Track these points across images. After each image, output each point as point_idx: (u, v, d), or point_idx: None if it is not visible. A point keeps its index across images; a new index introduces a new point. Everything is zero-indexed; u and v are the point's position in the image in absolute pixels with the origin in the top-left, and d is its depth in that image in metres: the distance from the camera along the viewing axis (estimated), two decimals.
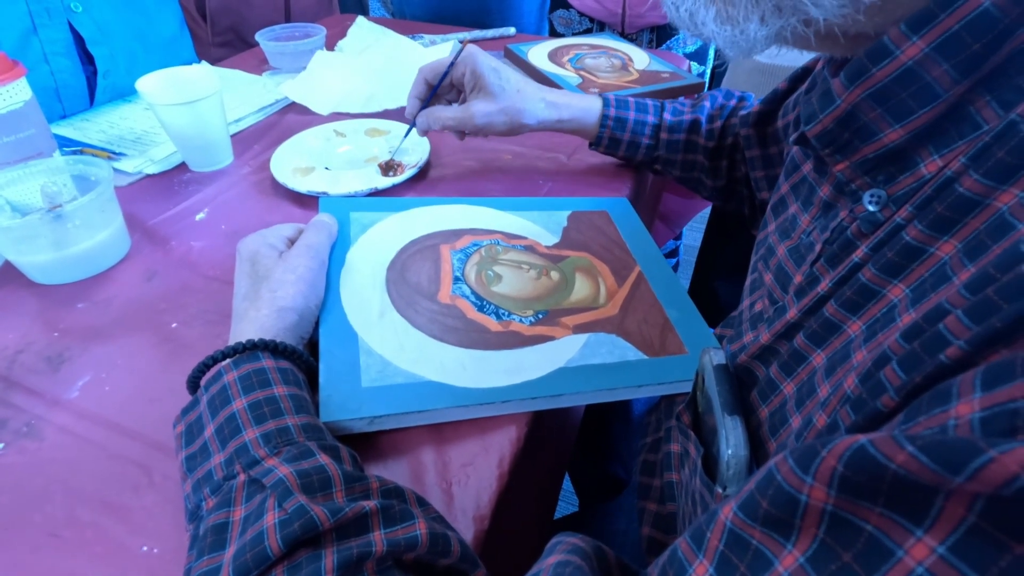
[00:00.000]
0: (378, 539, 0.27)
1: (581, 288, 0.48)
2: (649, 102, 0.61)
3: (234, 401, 0.32)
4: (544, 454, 0.45)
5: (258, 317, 0.37)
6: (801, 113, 0.32)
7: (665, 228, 1.17)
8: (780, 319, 0.34)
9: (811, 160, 0.38)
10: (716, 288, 1.16)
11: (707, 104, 0.61)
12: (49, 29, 0.67)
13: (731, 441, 0.32)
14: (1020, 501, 0.14)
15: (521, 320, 0.44)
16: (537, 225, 0.54)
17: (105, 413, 0.38)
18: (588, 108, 0.60)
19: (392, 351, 0.39)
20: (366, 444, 0.36)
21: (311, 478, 0.28)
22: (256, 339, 0.35)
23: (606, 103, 0.60)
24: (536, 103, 0.58)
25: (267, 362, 0.34)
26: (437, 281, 0.46)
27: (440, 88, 0.59)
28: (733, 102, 0.61)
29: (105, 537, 0.32)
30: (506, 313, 0.44)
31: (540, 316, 0.44)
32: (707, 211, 1.16)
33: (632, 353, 0.42)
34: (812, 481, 0.18)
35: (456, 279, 0.46)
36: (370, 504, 0.28)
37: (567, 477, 0.83)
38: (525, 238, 0.52)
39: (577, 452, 0.78)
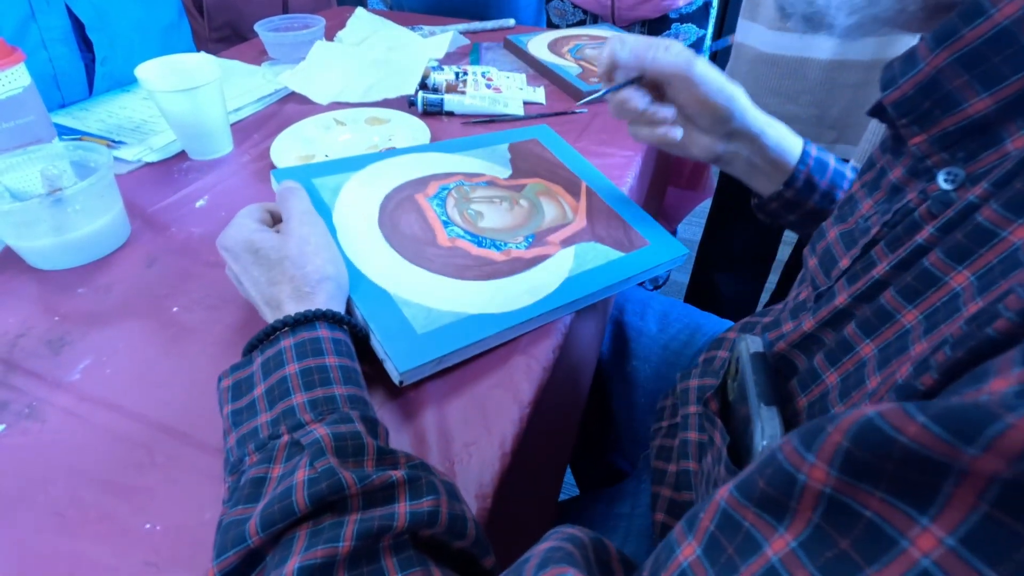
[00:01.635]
0: (401, 511, 0.27)
1: (549, 210, 0.53)
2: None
3: (287, 365, 0.33)
4: (547, 437, 0.45)
5: (300, 295, 0.36)
6: (880, 78, 0.30)
7: (664, 222, 1.17)
8: (827, 305, 0.31)
9: (884, 145, 0.35)
10: (716, 280, 1.16)
11: None
12: (47, 16, 0.67)
13: (766, 432, 0.31)
14: None
15: (517, 247, 0.48)
16: (487, 161, 0.58)
17: (106, 395, 0.38)
18: (792, 137, 0.50)
19: (427, 298, 0.42)
20: None
21: (346, 442, 0.29)
22: (313, 310, 0.35)
23: (806, 141, 0.51)
24: (748, 101, 0.49)
25: (322, 332, 0.35)
26: (430, 228, 0.48)
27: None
28: None
29: (108, 516, 0.32)
30: (502, 243, 0.48)
31: (530, 239, 0.49)
32: (706, 204, 1.16)
33: (612, 253, 0.49)
34: (813, 459, 0.16)
35: (445, 223, 0.49)
36: (397, 474, 0.28)
37: (568, 471, 0.83)
38: (483, 175, 0.56)
39: (579, 443, 0.79)
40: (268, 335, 0.35)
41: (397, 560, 0.26)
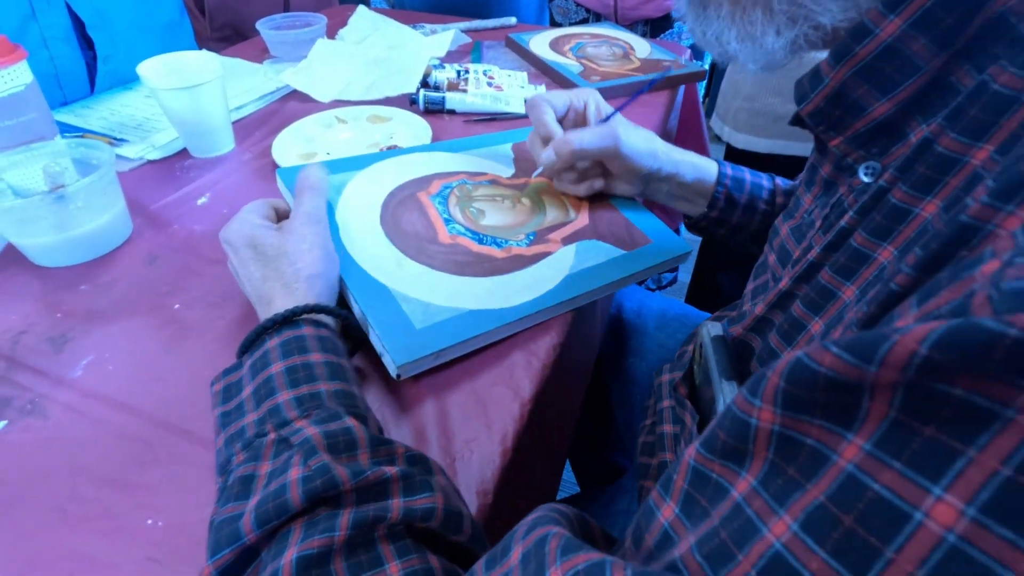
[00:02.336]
0: (395, 506, 0.27)
1: (552, 209, 0.53)
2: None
3: (273, 365, 0.33)
4: (546, 432, 0.45)
5: (289, 292, 0.37)
6: (794, 94, 0.34)
7: (667, 219, 1.16)
8: (773, 289, 0.35)
9: (815, 146, 0.39)
10: (719, 280, 1.16)
11: None
12: (48, 14, 0.67)
13: (728, 403, 0.33)
14: (922, 380, 0.15)
15: (518, 244, 0.48)
16: (490, 160, 0.58)
17: (109, 392, 0.38)
18: (706, 163, 0.54)
19: (426, 293, 0.42)
20: None
21: (337, 439, 0.29)
22: (301, 306, 0.35)
23: (720, 163, 0.55)
24: (664, 149, 0.53)
25: (307, 330, 0.35)
26: (432, 226, 0.48)
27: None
28: None
29: (110, 512, 0.32)
30: (503, 241, 0.48)
31: (532, 237, 0.49)
32: None
33: (615, 251, 0.49)
34: (760, 403, 0.19)
35: (447, 220, 0.49)
36: (392, 470, 0.28)
37: (568, 466, 0.83)
38: (486, 173, 0.56)
39: (578, 440, 0.79)
40: (257, 336, 0.35)
41: (394, 547, 0.26)
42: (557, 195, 0.55)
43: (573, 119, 0.54)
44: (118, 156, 0.63)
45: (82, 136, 0.66)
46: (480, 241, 0.48)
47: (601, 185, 0.54)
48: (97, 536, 0.31)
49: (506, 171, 0.57)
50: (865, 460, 0.16)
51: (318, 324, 0.36)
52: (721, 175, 0.54)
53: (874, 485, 0.16)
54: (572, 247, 0.49)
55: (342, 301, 0.42)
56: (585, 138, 0.49)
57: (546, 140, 0.52)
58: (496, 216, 0.51)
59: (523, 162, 0.59)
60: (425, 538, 0.28)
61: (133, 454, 0.35)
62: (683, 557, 0.19)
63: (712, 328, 0.39)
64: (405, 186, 0.52)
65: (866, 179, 0.30)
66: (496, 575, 0.23)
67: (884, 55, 0.28)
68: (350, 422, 0.30)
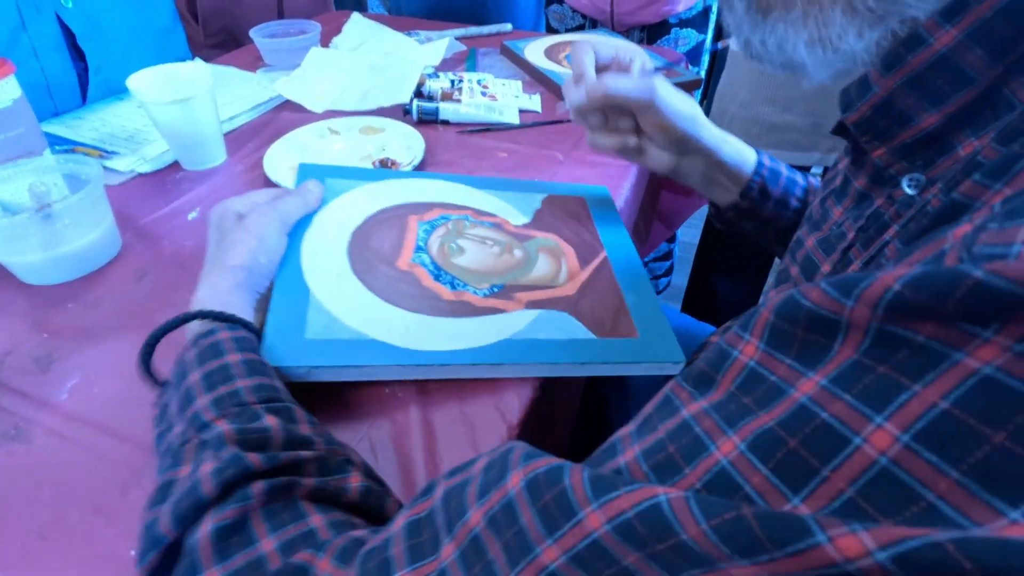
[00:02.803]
0: (309, 481, 0.28)
1: (542, 267, 0.49)
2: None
3: (190, 374, 0.33)
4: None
5: (210, 279, 0.38)
6: (839, 102, 0.33)
7: (663, 227, 1.16)
8: None
9: (847, 154, 0.38)
10: (715, 284, 1.16)
11: None
12: (38, 24, 0.67)
13: None
14: (890, 324, 0.17)
15: (475, 292, 0.45)
16: (509, 204, 0.55)
17: (94, 416, 0.38)
18: (746, 149, 0.52)
19: (341, 310, 0.41)
20: (354, 441, 0.36)
21: (248, 436, 0.29)
22: (196, 311, 0.36)
23: (759, 152, 0.53)
24: (706, 120, 0.51)
25: (222, 334, 0.35)
26: (399, 248, 0.47)
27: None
28: None
29: (93, 540, 0.32)
30: (461, 284, 0.45)
31: (495, 290, 0.45)
32: (704, 208, 1.15)
33: (581, 332, 0.43)
34: (748, 336, 0.20)
35: (418, 248, 0.48)
36: (307, 453, 0.29)
37: None
38: (495, 216, 0.53)
39: (574, 448, 0.78)
40: (156, 338, 0.36)
41: (315, 505, 0.27)
42: (557, 257, 0.50)
43: (615, 71, 0.50)
44: (108, 169, 0.62)
45: (72, 150, 0.66)
46: (436, 277, 0.45)
47: (635, 143, 0.50)
48: (79, 564, 0.31)
49: (519, 218, 0.53)
50: (819, 393, 0.18)
51: (233, 326, 0.36)
52: (759, 164, 0.51)
53: (823, 414, 0.17)
54: (534, 313, 0.44)
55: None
56: (621, 84, 0.46)
57: (579, 80, 0.48)
58: (474, 257, 0.48)
59: (547, 215, 0.55)
60: (360, 513, 0.29)
61: (116, 480, 0.34)
62: (628, 464, 0.21)
63: None
64: (402, 206, 0.52)
65: (910, 191, 0.30)
66: (456, 480, 0.24)
67: (937, 65, 0.27)
68: (268, 421, 0.30)
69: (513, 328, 0.42)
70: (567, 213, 0.55)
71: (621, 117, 0.50)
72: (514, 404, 0.40)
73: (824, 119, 0.82)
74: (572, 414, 0.56)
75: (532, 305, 0.45)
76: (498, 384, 0.41)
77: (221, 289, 0.38)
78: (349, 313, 0.41)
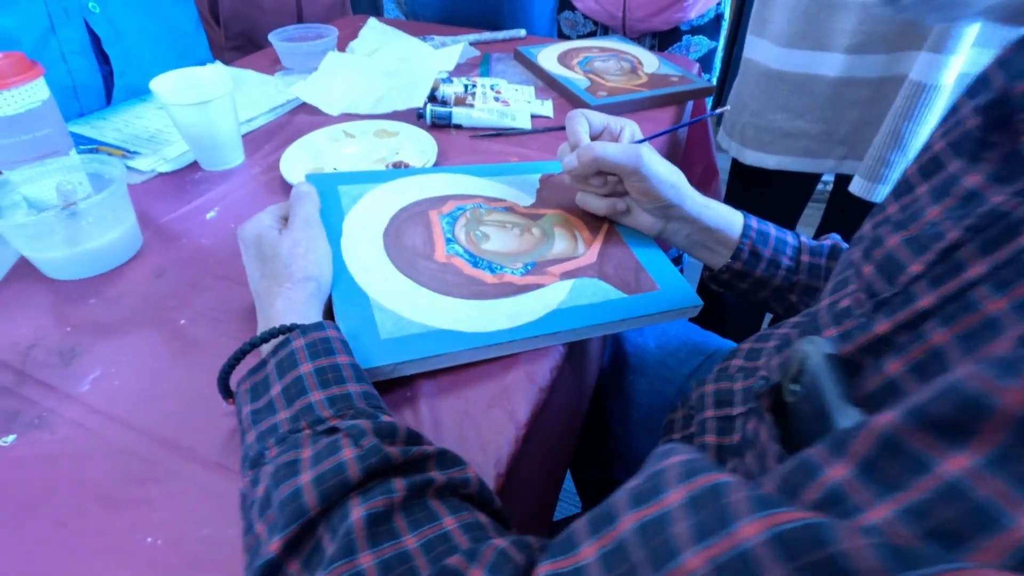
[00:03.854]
0: (439, 475, 0.30)
1: (561, 241, 0.53)
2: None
3: (301, 365, 0.34)
4: (543, 453, 0.46)
5: (283, 291, 0.40)
6: (1008, 70, 0.30)
7: None
8: (905, 308, 0.31)
9: (964, 152, 0.35)
10: (722, 294, 1.15)
11: (838, 236, 0.57)
12: (67, 28, 0.69)
13: None
14: None
15: (513, 272, 0.48)
16: (513, 188, 0.58)
17: (114, 408, 0.39)
18: (731, 214, 0.54)
19: (402, 307, 0.43)
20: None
21: (381, 428, 0.31)
22: (291, 323, 0.37)
23: (746, 215, 0.54)
24: (690, 189, 0.54)
25: (331, 332, 0.37)
26: (431, 243, 0.49)
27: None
28: None
29: (111, 528, 0.33)
30: (498, 267, 0.48)
31: (529, 267, 0.49)
32: None
33: (614, 293, 0.48)
34: (1019, 383, 0.17)
35: (448, 240, 0.50)
36: (431, 448, 0.31)
37: (570, 478, 0.83)
38: (504, 200, 0.56)
39: (580, 455, 0.79)
40: (273, 335, 0.36)
41: (445, 505, 0.29)
42: (570, 229, 0.54)
43: (606, 139, 0.55)
44: (130, 168, 0.64)
45: (96, 149, 0.67)
46: (475, 264, 0.48)
47: (623, 207, 0.54)
48: (97, 553, 0.32)
49: (526, 200, 0.57)
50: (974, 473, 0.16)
51: (338, 328, 0.38)
52: (746, 227, 0.53)
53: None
54: (569, 282, 0.48)
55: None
56: (609, 149, 0.50)
57: (574, 148, 0.53)
58: (500, 242, 0.51)
59: (547, 192, 0.59)
60: (474, 503, 0.31)
61: (135, 471, 0.36)
62: (881, 525, 0.18)
63: (821, 345, 0.36)
64: (419, 203, 0.54)
65: None
66: (649, 513, 0.20)
67: None
68: (386, 419, 0.32)
69: (557, 299, 0.46)
70: (563, 187, 0.59)
71: (609, 182, 0.54)
72: (522, 407, 0.40)
73: (837, 126, 0.82)
74: (580, 417, 0.57)
75: (565, 276, 0.48)
76: (506, 385, 0.42)
77: (297, 301, 0.39)
78: (411, 309, 0.43)
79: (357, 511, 0.27)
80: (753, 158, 0.90)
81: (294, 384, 0.34)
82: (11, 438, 0.37)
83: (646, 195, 0.51)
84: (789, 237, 0.55)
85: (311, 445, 0.31)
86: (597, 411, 0.70)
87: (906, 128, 0.72)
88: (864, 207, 0.81)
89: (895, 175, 0.76)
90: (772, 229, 0.54)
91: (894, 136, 0.74)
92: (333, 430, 0.31)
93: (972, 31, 0.66)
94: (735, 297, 1.18)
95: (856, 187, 0.80)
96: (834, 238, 0.56)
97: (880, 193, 0.78)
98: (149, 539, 0.32)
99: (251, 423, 0.34)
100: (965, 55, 0.68)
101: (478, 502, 0.31)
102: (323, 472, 0.29)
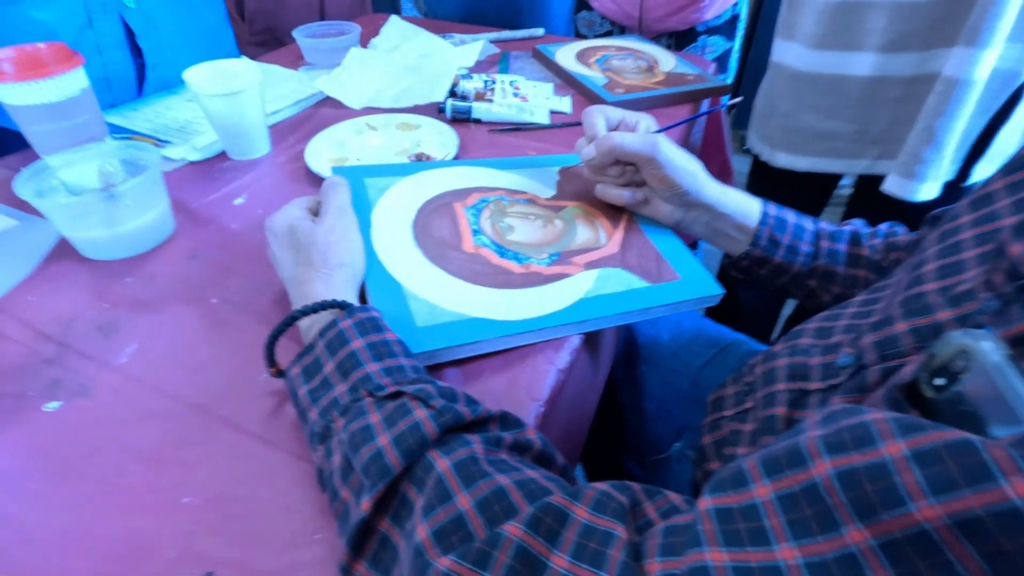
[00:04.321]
0: (507, 438, 0.32)
1: (583, 232, 0.54)
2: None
3: (352, 342, 0.36)
4: (560, 435, 0.47)
5: (320, 275, 0.41)
6: None
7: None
8: None
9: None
10: (736, 289, 1.16)
11: (857, 223, 0.57)
12: (103, 23, 0.71)
13: None
14: None
15: (539, 262, 0.49)
16: (533, 180, 0.60)
17: (151, 378, 0.41)
18: (749, 201, 0.55)
19: (436, 296, 0.44)
20: None
21: (444, 392, 0.33)
22: (333, 300, 0.38)
23: (764, 202, 0.55)
24: (707, 177, 0.54)
25: (375, 312, 0.38)
26: (459, 234, 0.51)
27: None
28: (885, 227, 0.56)
29: (150, 487, 0.35)
30: (525, 257, 0.49)
31: (554, 257, 0.50)
32: None
33: (637, 282, 0.49)
34: None
35: (475, 231, 0.51)
36: (494, 410, 0.33)
37: (581, 470, 0.85)
38: (525, 192, 0.58)
39: (592, 445, 0.80)
40: (324, 307, 0.38)
41: (519, 460, 0.31)
42: (591, 220, 0.55)
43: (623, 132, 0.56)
44: (162, 157, 0.66)
45: (130, 137, 0.70)
46: (502, 254, 0.49)
47: (642, 197, 0.55)
48: (138, 509, 0.34)
49: (546, 192, 0.58)
50: None
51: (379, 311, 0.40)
52: (764, 214, 0.54)
53: None
54: (594, 272, 0.49)
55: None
56: (626, 139, 0.51)
57: (591, 141, 0.54)
58: (525, 233, 0.52)
59: (567, 184, 0.60)
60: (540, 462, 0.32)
61: (172, 435, 0.37)
62: None
63: (981, 337, 0.33)
64: (444, 195, 0.55)
65: None
66: (857, 459, 0.21)
67: None
68: (444, 384, 0.34)
69: (584, 288, 0.47)
70: (582, 180, 0.60)
71: (627, 172, 0.55)
72: (541, 387, 0.42)
73: (870, 125, 0.81)
74: (594, 403, 0.58)
75: (590, 265, 0.50)
76: (526, 366, 0.43)
77: (335, 284, 0.41)
78: (444, 298, 0.44)
79: (442, 461, 0.28)
80: (784, 160, 0.89)
81: (348, 359, 0.35)
82: (55, 404, 0.39)
83: (664, 183, 0.52)
84: (808, 223, 0.55)
85: (377, 410, 0.32)
86: (610, 403, 0.71)
87: (940, 125, 0.72)
88: (886, 208, 0.81)
89: (930, 172, 0.75)
90: (791, 216, 0.55)
91: (928, 133, 0.73)
92: (397, 394, 0.33)
93: (1006, 24, 0.65)
94: (749, 291, 1.19)
95: (891, 186, 0.79)
96: (855, 224, 0.57)
97: (915, 191, 0.77)
98: (186, 499, 0.34)
99: (310, 401, 0.35)
100: (999, 50, 0.67)
101: (543, 461, 0.33)
102: (401, 432, 0.30)
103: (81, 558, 0.31)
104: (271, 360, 0.39)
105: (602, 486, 0.27)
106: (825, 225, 0.56)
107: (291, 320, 0.38)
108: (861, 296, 0.45)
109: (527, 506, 0.27)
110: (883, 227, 0.56)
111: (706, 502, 0.24)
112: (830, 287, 0.56)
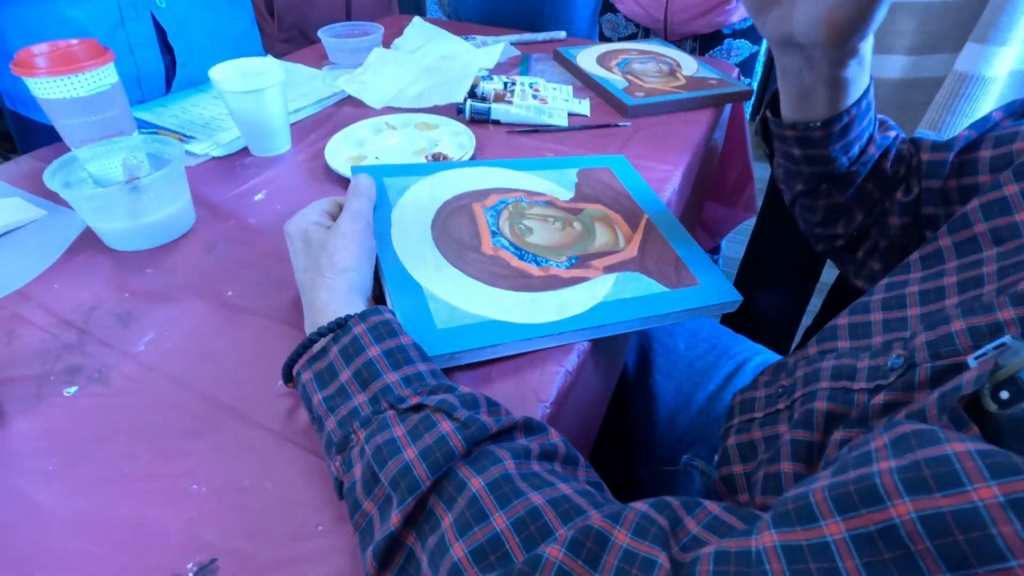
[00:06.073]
0: (532, 443, 0.32)
1: (602, 235, 0.53)
2: None
3: (368, 349, 0.35)
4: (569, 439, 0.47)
5: (324, 281, 0.41)
6: None
7: (706, 236, 1.16)
8: None
9: None
10: (755, 298, 1.14)
11: (894, 127, 0.53)
12: (135, 22, 0.73)
13: None
14: None
15: (558, 265, 0.49)
16: (551, 182, 0.59)
17: (166, 367, 0.42)
18: (864, 78, 0.47)
19: (455, 298, 0.44)
20: None
21: (466, 400, 0.33)
22: (347, 315, 0.37)
23: (872, 81, 0.48)
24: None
25: (388, 315, 0.38)
26: (478, 236, 0.50)
27: None
28: (897, 140, 0.53)
29: (160, 474, 0.35)
30: (544, 260, 0.49)
31: (573, 261, 0.50)
32: (749, 224, 1.14)
33: (656, 287, 0.48)
34: None
35: (494, 233, 0.51)
36: (517, 417, 0.33)
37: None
38: (544, 194, 0.57)
39: (600, 452, 0.79)
40: (340, 325, 0.37)
41: (548, 468, 0.31)
42: (610, 224, 0.55)
43: None
44: (186, 152, 0.68)
45: (156, 132, 0.72)
46: (520, 257, 0.49)
47: None
48: (147, 495, 0.34)
49: (565, 194, 0.58)
50: None
51: (392, 312, 0.39)
52: (865, 92, 0.47)
53: None
54: (612, 276, 0.49)
55: (382, 297, 0.45)
56: None
57: None
58: (543, 235, 0.52)
59: (585, 187, 0.59)
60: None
61: (184, 424, 0.38)
62: None
63: None
64: (463, 196, 0.55)
65: None
66: (943, 503, 0.19)
67: None
68: (464, 389, 0.34)
69: (602, 292, 0.47)
70: (601, 183, 0.60)
71: None
72: (549, 389, 0.41)
73: (901, 128, 0.79)
74: (602, 408, 0.58)
75: (609, 270, 0.49)
76: (534, 368, 0.43)
77: (339, 291, 0.40)
78: (464, 300, 0.44)
79: (476, 480, 0.28)
80: None
81: (365, 368, 0.35)
82: (73, 389, 0.40)
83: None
84: (873, 127, 0.50)
85: (401, 423, 0.32)
86: (621, 411, 0.70)
87: (947, 120, 0.70)
88: None
89: None
90: (871, 110, 0.49)
91: (931, 126, 0.71)
92: (419, 407, 0.32)
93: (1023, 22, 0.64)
94: (767, 299, 1.16)
95: None
96: (893, 129, 0.52)
97: None
98: (195, 486, 0.35)
99: (327, 410, 0.35)
100: (1017, 49, 0.65)
101: (569, 464, 0.32)
102: (427, 446, 0.30)
103: (89, 540, 0.32)
104: (288, 378, 0.39)
105: (641, 507, 0.27)
106: (877, 133, 0.51)
107: (310, 342, 0.37)
108: (884, 285, 0.42)
109: (561, 526, 0.26)
110: (893, 136, 0.52)
111: (772, 537, 0.22)
112: (835, 191, 0.53)
